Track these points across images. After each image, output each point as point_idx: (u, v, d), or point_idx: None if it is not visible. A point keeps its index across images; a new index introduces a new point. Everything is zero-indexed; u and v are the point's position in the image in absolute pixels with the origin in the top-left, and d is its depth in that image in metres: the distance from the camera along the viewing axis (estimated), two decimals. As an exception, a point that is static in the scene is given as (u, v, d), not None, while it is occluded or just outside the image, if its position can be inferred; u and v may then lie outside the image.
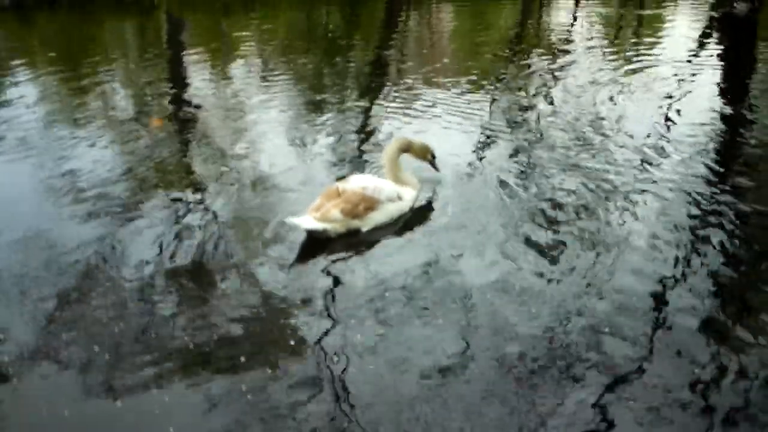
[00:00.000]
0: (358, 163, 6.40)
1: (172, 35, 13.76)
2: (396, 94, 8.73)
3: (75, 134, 7.25)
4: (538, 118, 7.63)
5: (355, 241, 4.94)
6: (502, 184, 5.74)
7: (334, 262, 4.66)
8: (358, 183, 5.19)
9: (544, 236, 4.86)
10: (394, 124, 7.49)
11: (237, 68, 10.32)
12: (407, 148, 5.60)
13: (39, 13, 15.33)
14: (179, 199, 5.59)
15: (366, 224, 5.09)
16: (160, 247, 4.79)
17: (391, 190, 5.25)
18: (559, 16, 15.98)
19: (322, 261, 4.67)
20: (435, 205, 5.49)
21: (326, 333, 3.83)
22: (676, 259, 4.52)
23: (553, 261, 4.52)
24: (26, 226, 5.13)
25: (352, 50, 11.67)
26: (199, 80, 9.71)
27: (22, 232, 5.04)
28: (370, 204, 5.09)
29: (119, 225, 5.13)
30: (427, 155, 5.69)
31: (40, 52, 12.04)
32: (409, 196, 5.41)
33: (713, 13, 15.36)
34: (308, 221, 4.89)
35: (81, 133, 7.26)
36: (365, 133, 7.33)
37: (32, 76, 10.19)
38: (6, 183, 6.14)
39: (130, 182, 5.99)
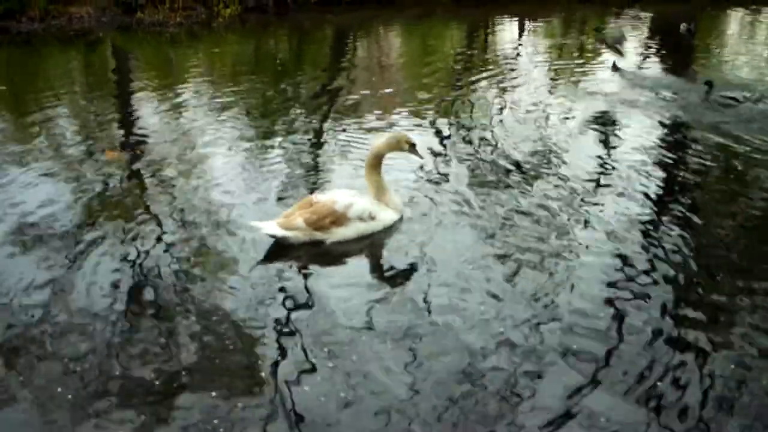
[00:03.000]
0: (309, 187, 6.46)
1: (118, 67, 13.64)
2: (347, 120, 8.83)
3: (23, 170, 7.09)
4: (485, 143, 7.80)
5: (317, 253, 5.07)
6: (459, 207, 5.88)
7: (293, 279, 4.76)
8: (331, 197, 5.27)
9: (501, 261, 4.96)
10: (345, 149, 7.60)
11: (186, 98, 10.27)
12: (381, 153, 5.50)
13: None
14: (133, 231, 5.53)
15: (330, 237, 5.17)
16: (116, 280, 4.74)
17: (362, 209, 5.26)
18: (504, 43, 16.34)
19: (282, 278, 4.76)
20: (397, 225, 5.54)
21: (282, 364, 3.84)
22: (625, 281, 4.68)
23: (510, 286, 4.63)
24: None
25: (302, 78, 11.73)
26: (149, 111, 9.63)
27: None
28: (337, 219, 5.15)
29: (73, 260, 5.04)
30: (402, 145, 5.54)
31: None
32: (385, 217, 5.41)
33: (655, 39, 15.99)
34: (271, 227, 5.02)
35: (29, 169, 7.11)
36: (316, 158, 7.41)
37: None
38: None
39: (81, 217, 5.89)
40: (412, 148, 5.57)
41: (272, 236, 5.06)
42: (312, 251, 5.11)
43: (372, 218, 5.32)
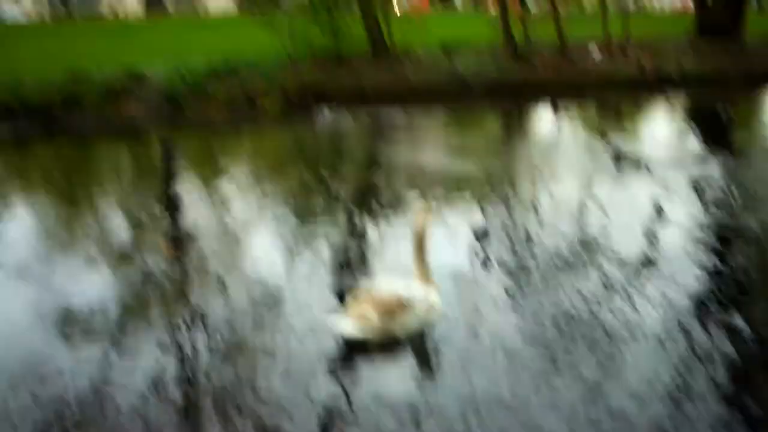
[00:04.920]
0: (357, 277, 6.52)
1: (166, 162, 14.14)
2: (388, 212, 9.00)
3: (71, 261, 7.34)
4: (526, 223, 7.99)
5: (386, 353, 5.01)
6: (505, 292, 5.98)
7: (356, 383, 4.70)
8: (389, 287, 5.18)
9: (549, 350, 4.98)
10: (387, 240, 7.75)
11: (232, 192, 10.58)
12: (421, 230, 5.45)
13: (38, 144, 15.83)
14: (177, 326, 5.66)
15: (402, 328, 5.06)
16: (160, 375, 4.82)
17: (423, 295, 5.21)
18: (539, 130, 16.59)
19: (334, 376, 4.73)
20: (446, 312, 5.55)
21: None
22: (671, 382, 4.59)
23: (560, 373, 4.65)
24: (15, 355, 5.16)
25: (344, 172, 11.98)
26: (196, 205, 9.95)
27: (10, 361, 5.06)
28: (405, 308, 5.05)
29: (115, 354, 5.15)
30: (431, 211, 5.61)
31: (39, 181, 12.35)
32: (438, 300, 5.36)
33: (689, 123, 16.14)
34: (344, 324, 4.91)
35: (77, 258, 7.36)
36: (360, 250, 7.53)
37: (31, 203, 10.48)
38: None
39: (126, 309, 6.04)
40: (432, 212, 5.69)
41: (344, 334, 4.95)
42: (378, 347, 5.04)
43: (431, 303, 5.28)
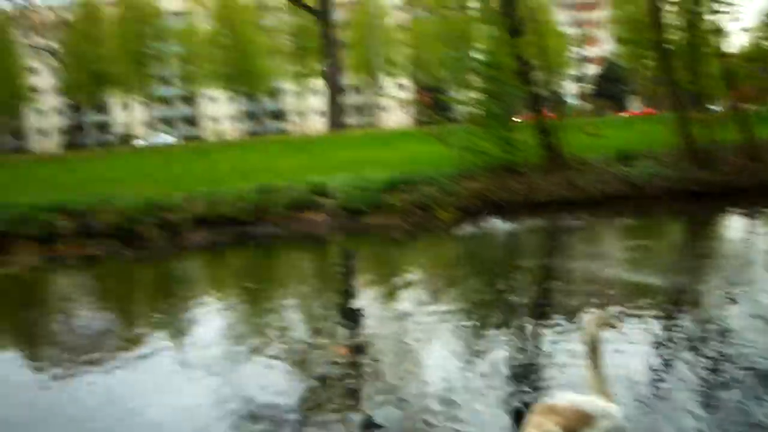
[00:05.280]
0: (535, 390, 6.37)
1: (345, 267, 14.84)
2: (563, 320, 8.78)
3: (252, 357, 7.85)
4: (712, 334, 7.55)
5: None
6: (690, 406, 5.65)
7: None
8: (568, 399, 5.06)
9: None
10: (565, 346, 7.56)
11: (406, 296, 10.86)
12: (593, 337, 5.24)
13: (230, 251, 17.22)
14: (352, 425, 5.80)
15: None
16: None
17: (603, 407, 5.03)
18: (730, 236, 15.72)
19: None
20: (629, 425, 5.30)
21: None
22: None
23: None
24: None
25: (516, 279, 11.94)
26: (372, 308, 10.31)
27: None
28: (586, 420, 4.89)
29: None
30: (607, 321, 5.35)
31: (229, 284, 13.40)
32: (617, 413, 5.12)
33: None
34: None
35: (258, 357, 7.87)
36: (533, 360, 7.43)
37: (221, 302, 11.42)
38: (186, 401, 6.69)
39: (301, 405, 6.36)
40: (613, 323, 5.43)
41: None
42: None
43: (613, 416, 5.05)
